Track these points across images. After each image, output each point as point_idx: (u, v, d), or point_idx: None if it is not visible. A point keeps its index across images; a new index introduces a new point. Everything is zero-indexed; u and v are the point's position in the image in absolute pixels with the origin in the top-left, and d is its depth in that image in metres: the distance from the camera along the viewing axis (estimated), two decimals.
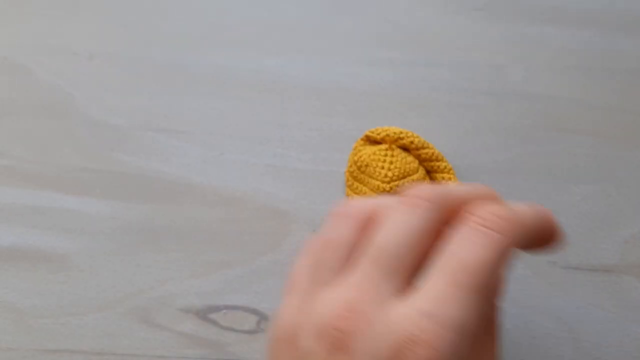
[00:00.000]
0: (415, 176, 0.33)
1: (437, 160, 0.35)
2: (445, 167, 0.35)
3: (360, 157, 0.34)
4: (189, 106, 0.40)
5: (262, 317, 0.35)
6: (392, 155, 0.33)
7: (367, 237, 0.21)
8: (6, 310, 0.35)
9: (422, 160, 0.35)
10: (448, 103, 0.40)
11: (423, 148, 0.34)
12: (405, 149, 0.35)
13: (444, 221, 0.21)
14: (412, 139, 0.34)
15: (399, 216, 0.21)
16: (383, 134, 0.34)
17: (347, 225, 0.22)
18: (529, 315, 0.34)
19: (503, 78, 0.40)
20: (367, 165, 0.33)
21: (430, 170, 0.35)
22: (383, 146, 0.34)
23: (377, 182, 0.33)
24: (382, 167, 0.33)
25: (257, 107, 0.40)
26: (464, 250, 0.19)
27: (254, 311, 0.35)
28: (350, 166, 0.35)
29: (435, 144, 0.38)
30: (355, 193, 0.34)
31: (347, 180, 0.35)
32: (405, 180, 0.33)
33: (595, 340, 0.34)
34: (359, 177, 0.34)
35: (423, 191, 0.21)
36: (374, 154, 0.34)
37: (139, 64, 0.41)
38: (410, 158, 0.34)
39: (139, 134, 0.39)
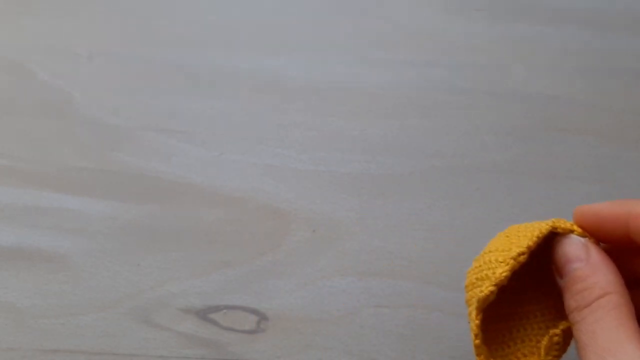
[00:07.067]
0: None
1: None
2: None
3: None
4: (189, 106, 0.40)
5: (262, 317, 0.35)
6: None
7: None
8: (6, 310, 0.35)
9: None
10: (448, 103, 0.40)
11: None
12: None
13: None
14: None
15: None
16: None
17: None
18: None
19: (503, 78, 0.40)
20: None
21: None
22: None
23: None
24: None
25: (257, 107, 0.40)
26: None
27: (254, 311, 0.35)
28: None
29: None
30: None
31: None
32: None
33: None
34: None
35: None
36: None
37: (139, 64, 0.41)
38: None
39: (139, 134, 0.39)
